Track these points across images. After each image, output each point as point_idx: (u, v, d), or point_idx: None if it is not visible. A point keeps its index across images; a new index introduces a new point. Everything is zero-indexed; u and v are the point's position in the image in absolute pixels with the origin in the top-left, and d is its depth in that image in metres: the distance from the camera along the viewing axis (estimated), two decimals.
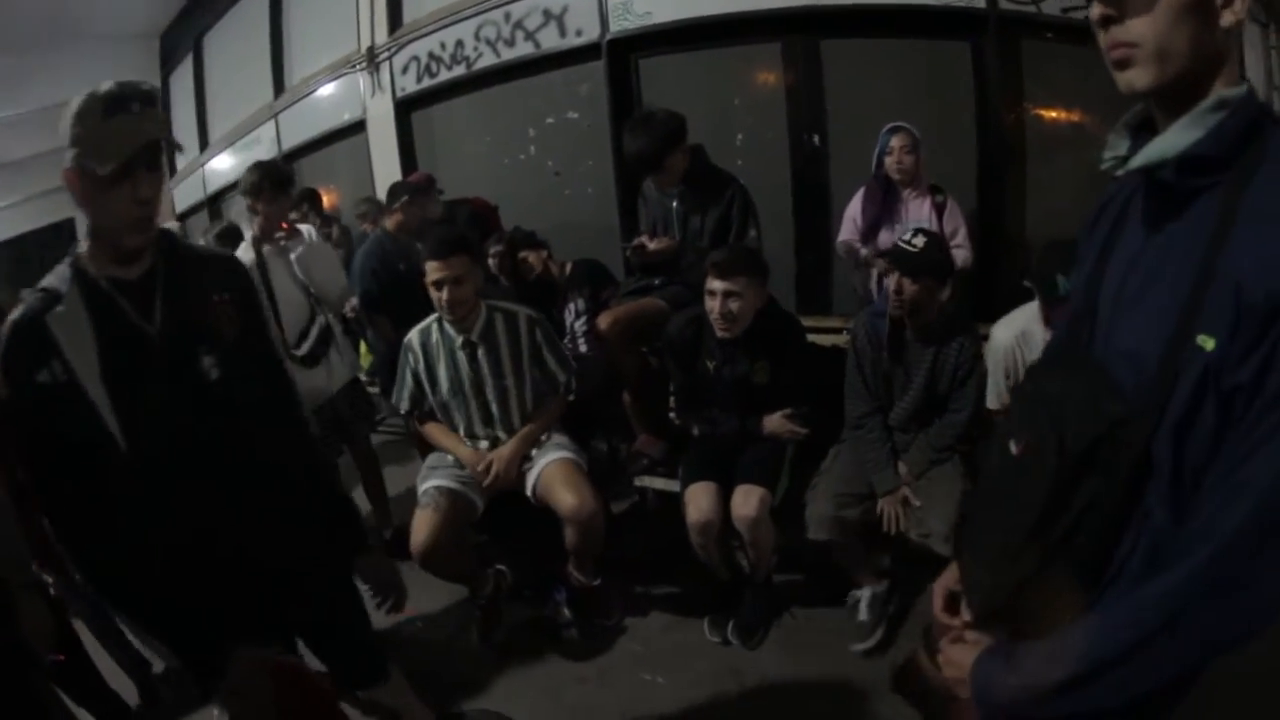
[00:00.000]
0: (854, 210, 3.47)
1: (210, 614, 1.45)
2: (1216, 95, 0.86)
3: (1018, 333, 2.51)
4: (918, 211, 3.35)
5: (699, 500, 2.63)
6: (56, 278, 1.40)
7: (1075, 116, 3.98)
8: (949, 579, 1.20)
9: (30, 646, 1.94)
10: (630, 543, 3.26)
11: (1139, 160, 0.90)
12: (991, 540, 1.06)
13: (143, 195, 1.33)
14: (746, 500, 2.56)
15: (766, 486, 2.59)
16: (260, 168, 3.14)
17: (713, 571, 2.80)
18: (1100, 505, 0.91)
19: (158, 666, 3.11)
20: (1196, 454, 0.85)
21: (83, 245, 1.42)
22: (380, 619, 1.91)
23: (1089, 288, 1.03)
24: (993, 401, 2.61)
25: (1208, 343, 0.81)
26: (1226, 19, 0.85)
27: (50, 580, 2.68)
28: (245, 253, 3.03)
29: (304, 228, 3.31)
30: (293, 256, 3.15)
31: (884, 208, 3.36)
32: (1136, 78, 0.88)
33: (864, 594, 2.65)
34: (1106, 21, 0.89)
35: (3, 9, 7.15)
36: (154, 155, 1.34)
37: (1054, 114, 4.00)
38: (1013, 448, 1.03)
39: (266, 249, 3.08)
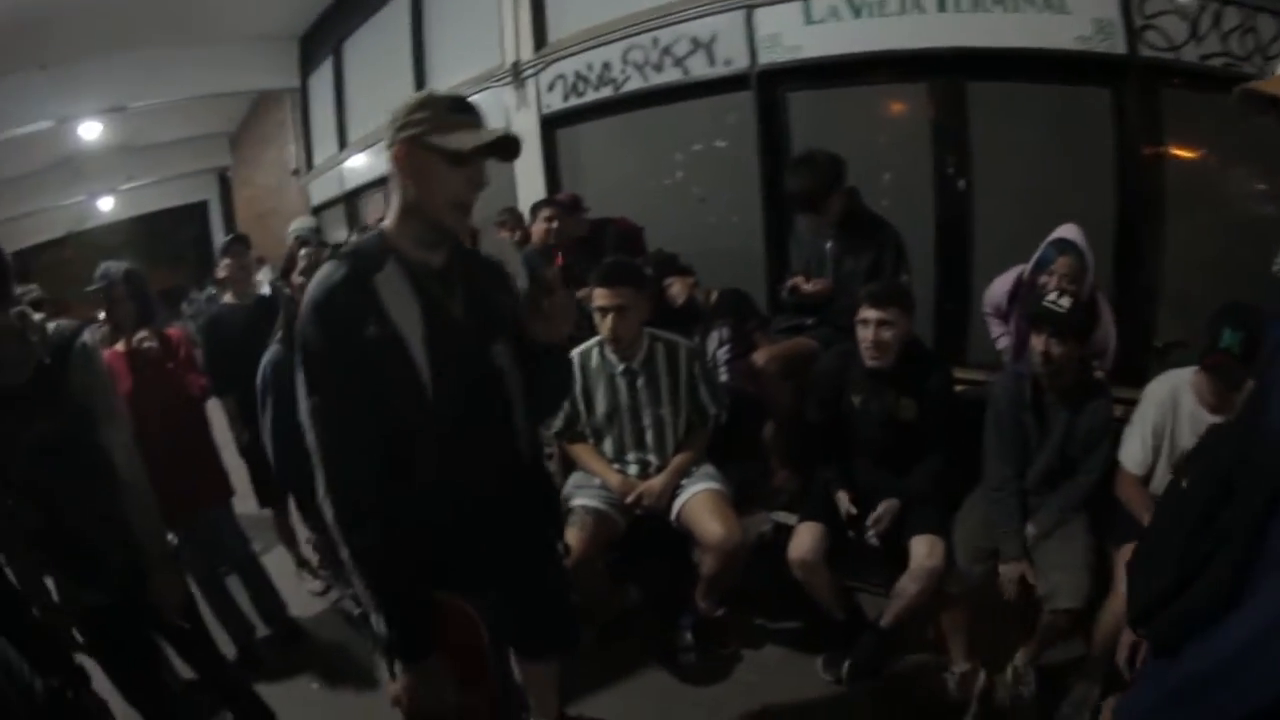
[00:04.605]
0: (1000, 294, 3.29)
1: (438, 566, 1.60)
2: None
3: (1170, 391, 2.50)
4: None
5: (802, 538, 2.76)
6: (369, 245, 1.55)
7: (1215, 168, 3.90)
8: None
9: (153, 611, 2.18)
10: (754, 574, 3.32)
11: None
12: (1153, 556, 1.24)
13: (479, 181, 1.50)
14: (932, 551, 2.62)
15: (944, 537, 2.66)
16: None
17: (821, 607, 2.88)
18: (1237, 529, 1.05)
19: (261, 631, 3.39)
20: None
21: (388, 223, 1.57)
22: None
23: (1268, 375, 1.16)
24: (1134, 462, 2.54)
25: None
26: None
27: (174, 539, 2.90)
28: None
29: None
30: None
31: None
32: None
33: (953, 675, 2.69)
34: None
35: (147, 5, 7.79)
36: (504, 153, 1.52)
37: (1193, 165, 3.92)
38: (1184, 484, 1.22)
39: None
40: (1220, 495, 1.08)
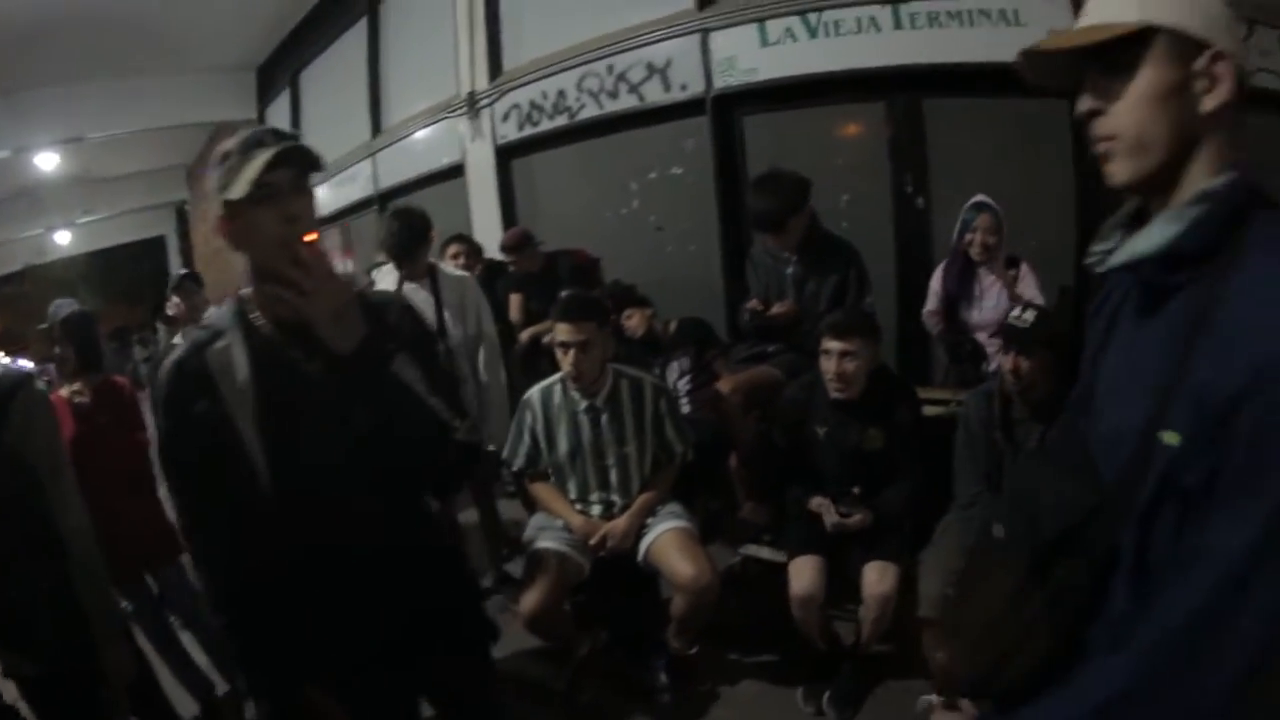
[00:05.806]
0: (936, 283, 3.53)
1: (310, 653, 1.43)
2: (1197, 189, 0.87)
3: None
4: (991, 291, 3.38)
5: (803, 574, 2.69)
6: (221, 315, 1.44)
7: None
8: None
9: (101, 681, 2.04)
10: (725, 608, 3.28)
11: (1120, 257, 0.93)
12: (972, 618, 1.09)
13: (290, 212, 1.31)
14: (883, 577, 2.59)
15: (900, 563, 2.62)
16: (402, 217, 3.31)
17: (810, 642, 2.82)
18: (1073, 589, 0.93)
19: (220, 689, 3.23)
20: (1159, 546, 0.87)
21: (246, 289, 1.44)
22: None
23: (1091, 373, 1.06)
24: None
25: (1172, 439, 0.83)
26: (1208, 104, 0.86)
27: (127, 607, 2.78)
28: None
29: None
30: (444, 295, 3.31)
31: (961, 284, 3.41)
32: (1116, 172, 0.92)
33: (935, 699, 2.60)
34: (1091, 115, 0.94)
35: (105, 36, 7.69)
36: (296, 176, 1.33)
37: None
38: (996, 531, 1.06)
39: (408, 286, 3.26)
40: (1049, 545, 0.94)
